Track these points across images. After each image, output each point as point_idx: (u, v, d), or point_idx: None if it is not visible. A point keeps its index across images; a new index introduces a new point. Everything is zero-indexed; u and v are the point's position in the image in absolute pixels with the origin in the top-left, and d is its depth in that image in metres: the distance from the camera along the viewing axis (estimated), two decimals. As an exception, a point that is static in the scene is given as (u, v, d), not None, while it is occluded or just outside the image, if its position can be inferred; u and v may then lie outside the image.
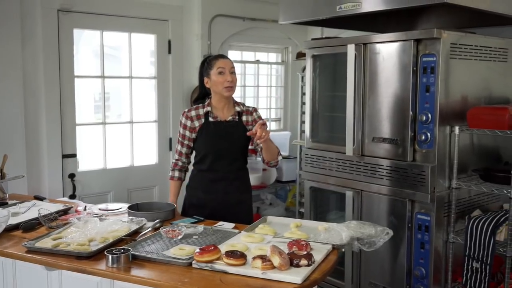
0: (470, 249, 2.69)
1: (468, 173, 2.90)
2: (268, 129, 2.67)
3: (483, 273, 2.65)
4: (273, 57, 5.23)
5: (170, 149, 4.33)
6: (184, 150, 2.90)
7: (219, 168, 2.82)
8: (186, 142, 2.88)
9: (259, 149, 2.82)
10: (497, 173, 2.71)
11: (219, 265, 1.89)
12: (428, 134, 2.74)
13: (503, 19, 2.99)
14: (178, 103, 4.35)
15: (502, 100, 3.11)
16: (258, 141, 2.58)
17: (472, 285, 2.70)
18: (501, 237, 2.64)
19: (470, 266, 2.70)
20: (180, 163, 2.92)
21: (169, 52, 4.31)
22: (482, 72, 3.01)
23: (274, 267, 1.83)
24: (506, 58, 3.13)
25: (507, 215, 2.62)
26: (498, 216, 2.68)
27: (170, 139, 4.35)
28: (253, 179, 3.83)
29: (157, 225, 2.41)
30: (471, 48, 2.88)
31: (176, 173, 2.93)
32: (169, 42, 4.30)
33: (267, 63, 5.18)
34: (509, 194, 2.56)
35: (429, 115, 2.72)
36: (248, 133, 2.63)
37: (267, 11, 4.61)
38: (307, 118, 3.47)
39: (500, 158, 3.08)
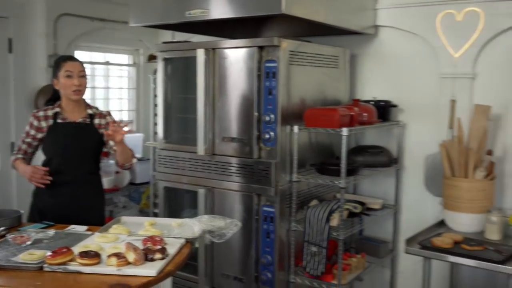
0: (309, 235, 3.01)
1: (307, 168, 3.22)
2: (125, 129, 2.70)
3: (320, 255, 2.98)
4: (124, 58, 5.18)
5: (13, 153, 4.07)
6: (24, 146, 2.83)
7: (66, 171, 2.77)
8: (28, 140, 2.80)
9: (112, 152, 2.82)
10: (330, 166, 3.07)
11: (73, 266, 1.89)
12: (272, 133, 2.99)
13: (336, 30, 3.37)
14: (21, 106, 4.10)
15: (334, 102, 3.50)
16: (112, 141, 2.59)
17: (311, 267, 3.02)
18: (335, 223, 2.98)
19: (309, 251, 3.02)
20: (19, 156, 2.83)
21: (10, 51, 4.05)
22: (317, 77, 3.36)
23: (129, 263, 1.89)
24: (338, 65, 3.54)
25: (339, 203, 2.98)
26: (331, 205, 3.03)
27: (12, 144, 4.08)
28: (106, 182, 3.80)
29: (2, 232, 2.30)
30: (307, 56, 3.21)
31: (19, 156, 2.83)
32: (10, 40, 4.04)
33: (118, 64, 5.12)
34: (340, 184, 2.92)
35: (272, 116, 2.98)
36: (105, 132, 2.63)
37: (117, 12, 4.57)
38: (160, 119, 3.53)
39: (333, 153, 3.47)
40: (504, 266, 2.48)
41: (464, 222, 2.98)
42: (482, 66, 3.26)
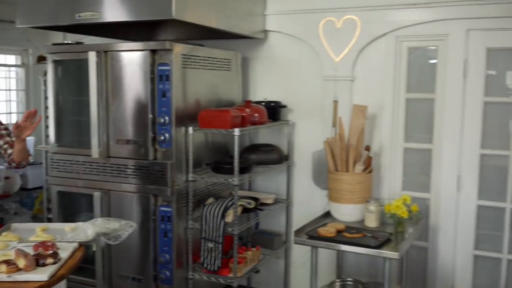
0: (205, 232, 3.13)
1: (203, 167, 3.34)
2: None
3: (216, 251, 3.11)
4: (11, 59, 4.95)
5: None
6: None
7: None
8: None
9: (2, 152, 2.75)
10: (224, 165, 3.21)
11: (-41, 277, 1.85)
12: (167, 135, 3.07)
13: (228, 34, 3.52)
14: None
15: (228, 103, 3.65)
16: (17, 136, 2.56)
17: (208, 262, 3.14)
18: (230, 219, 3.13)
19: (206, 247, 3.14)
20: None
21: None
22: (211, 79, 3.49)
23: (20, 269, 1.89)
24: (230, 68, 3.69)
25: (233, 200, 3.13)
26: (226, 202, 3.17)
27: None
28: (-6, 188, 3.64)
29: None
30: (200, 59, 3.32)
31: None
32: None
33: (5, 65, 4.88)
34: (233, 182, 3.07)
35: (167, 118, 3.05)
36: (14, 124, 2.60)
37: (3, 11, 4.35)
38: (51, 122, 3.46)
39: (229, 152, 3.62)
40: (379, 250, 2.76)
41: (346, 212, 3.25)
42: (360, 69, 3.58)
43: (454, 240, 3.43)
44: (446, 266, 3.48)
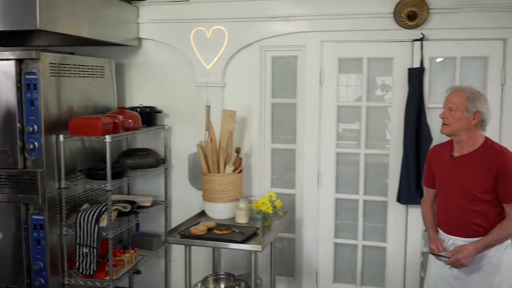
0: (80, 238, 3.19)
1: (77, 174, 3.39)
2: None
3: (91, 255, 3.19)
4: None
5: None
6: None
7: None
8: None
9: None
10: (97, 171, 3.28)
11: None
12: (36, 143, 3.07)
13: (100, 42, 3.58)
14: None
15: (104, 109, 3.72)
16: None
17: (84, 267, 3.21)
18: (104, 223, 3.22)
19: (81, 252, 3.20)
20: None
21: None
22: (84, 87, 3.53)
23: None
24: (104, 75, 3.76)
25: (107, 205, 3.22)
26: (100, 207, 3.25)
27: None
28: None
29: None
30: (70, 67, 3.35)
31: None
32: None
33: None
34: (106, 188, 3.17)
35: (35, 127, 3.06)
36: None
37: None
38: None
39: (104, 158, 3.68)
40: (243, 245, 3.01)
41: (218, 211, 3.48)
42: (229, 76, 3.84)
43: (317, 230, 3.80)
44: (311, 254, 3.84)
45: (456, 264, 2.58)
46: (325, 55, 3.66)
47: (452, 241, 2.69)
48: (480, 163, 2.57)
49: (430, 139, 3.43)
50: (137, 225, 4.08)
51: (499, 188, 2.53)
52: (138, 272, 4.01)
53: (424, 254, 3.55)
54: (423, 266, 3.52)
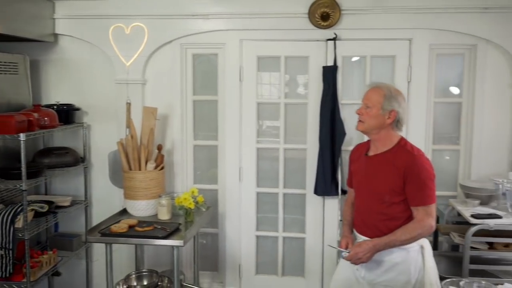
0: (-6, 240, 3.07)
1: (-12, 174, 3.25)
2: None
3: (7, 257, 3.08)
4: None
5: None
6: None
7: None
8: None
9: None
10: (11, 171, 3.17)
11: None
12: None
13: (13, 37, 3.44)
14: None
15: (18, 107, 3.58)
16: None
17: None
18: (20, 224, 3.12)
19: (-5, 255, 3.09)
20: None
21: None
22: (-4, 84, 3.40)
23: None
24: (17, 71, 3.62)
25: (22, 206, 3.12)
26: (16, 207, 3.15)
27: None
28: None
29: None
30: (-19, 63, 3.22)
31: None
32: None
33: None
34: (21, 187, 3.07)
35: None
36: None
37: None
38: None
39: (19, 158, 3.56)
40: (165, 240, 3.03)
41: (140, 208, 3.47)
42: (150, 73, 3.83)
43: (239, 224, 3.90)
44: (234, 247, 3.93)
45: (354, 259, 2.45)
46: (244, 53, 3.76)
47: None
48: (390, 164, 2.46)
49: (343, 134, 3.62)
50: (56, 225, 3.98)
51: (406, 190, 2.41)
52: (57, 274, 3.91)
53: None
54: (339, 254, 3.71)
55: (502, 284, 1.94)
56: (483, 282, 1.62)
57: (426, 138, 3.70)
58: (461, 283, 1.64)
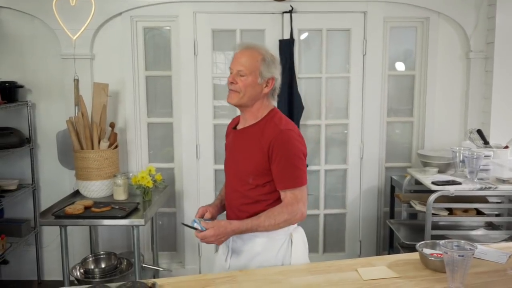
0: None
1: None
2: None
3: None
4: None
5: None
6: None
7: None
8: None
9: None
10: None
11: None
12: None
13: None
14: None
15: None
16: None
17: None
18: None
19: None
20: None
21: None
22: None
23: None
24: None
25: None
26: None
27: None
28: None
29: None
30: None
31: None
32: None
33: None
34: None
35: None
36: None
37: None
38: None
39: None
40: (125, 220, 2.92)
41: (95, 189, 3.32)
42: (99, 47, 3.64)
43: (197, 202, 3.81)
44: (192, 226, 3.84)
45: (205, 239, 1.94)
46: (198, 26, 3.64)
47: None
48: (256, 139, 2.02)
49: (301, 108, 3.61)
50: (1, 211, 3.74)
51: (272, 170, 1.99)
52: (5, 262, 3.70)
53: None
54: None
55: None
56: (462, 241, 1.65)
57: (381, 110, 3.76)
58: (441, 242, 1.66)
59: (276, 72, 2.06)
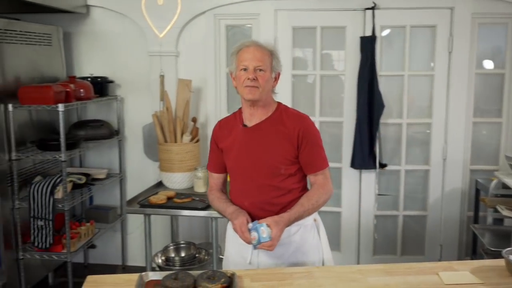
0: (34, 211, 3.08)
1: (28, 145, 3.26)
2: None
3: (47, 228, 3.10)
4: None
5: None
6: None
7: None
8: None
9: None
10: (50, 142, 3.17)
11: None
12: (-17, 114, 2.92)
13: (48, 8, 3.41)
14: None
15: (51, 79, 3.57)
16: None
17: (39, 241, 3.12)
18: (59, 195, 3.13)
19: (36, 225, 3.10)
20: None
21: None
22: (31, 55, 3.37)
23: None
24: (51, 43, 3.60)
25: (62, 176, 3.12)
26: (55, 179, 3.15)
27: None
28: None
29: None
30: (16, 33, 3.19)
31: None
32: None
33: None
34: (60, 158, 3.07)
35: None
36: None
37: None
38: None
39: (55, 129, 3.55)
40: (205, 211, 3.02)
41: (177, 180, 3.46)
42: (183, 45, 3.77)
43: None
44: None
45: (274, 242, 1.89)
46: (279, 24, 3.67)
47: None
48: (278, 131, 2.07)
49: (382, 106, 3.54)
50: (91, 198, 3.99)
51: (302, 157, 2.07)
52: (93, 246, 3.95)
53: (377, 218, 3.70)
54: (376, 228, 3.67)
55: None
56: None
57: (467, 110, 3.61)
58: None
59: (281, 67, 2.13)
